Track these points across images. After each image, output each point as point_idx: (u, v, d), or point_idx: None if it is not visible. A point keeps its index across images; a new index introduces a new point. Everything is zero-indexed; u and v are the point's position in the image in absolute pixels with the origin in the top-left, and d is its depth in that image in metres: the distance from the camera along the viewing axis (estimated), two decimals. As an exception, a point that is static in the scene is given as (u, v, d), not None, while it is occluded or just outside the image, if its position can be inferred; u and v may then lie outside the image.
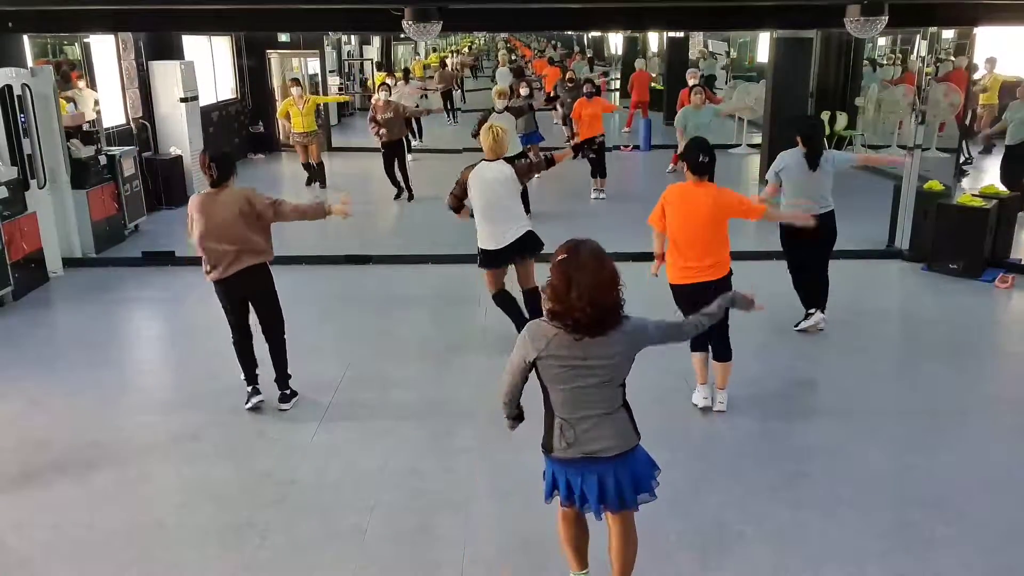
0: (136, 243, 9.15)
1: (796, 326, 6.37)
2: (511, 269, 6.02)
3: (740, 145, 15.16)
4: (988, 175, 11.53)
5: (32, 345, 6.36)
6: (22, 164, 7.49)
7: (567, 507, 3.20)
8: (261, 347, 5.18)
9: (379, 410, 5.20)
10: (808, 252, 6.22)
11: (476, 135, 10.48)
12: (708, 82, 22.54)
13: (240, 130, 14.79)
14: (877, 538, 3.86)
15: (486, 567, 3.66)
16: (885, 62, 18.10)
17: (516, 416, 3.25)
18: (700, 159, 4.72)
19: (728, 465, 4.53)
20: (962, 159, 11.63)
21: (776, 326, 6.50)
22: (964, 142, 11.79)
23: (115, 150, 9.43)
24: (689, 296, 4.84)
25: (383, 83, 12.56)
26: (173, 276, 7.92)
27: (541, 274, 4.43)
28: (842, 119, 14.50)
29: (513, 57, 29.41)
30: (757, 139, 14.84)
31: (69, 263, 8.17)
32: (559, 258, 2.87)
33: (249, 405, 5.13)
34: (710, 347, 5.05)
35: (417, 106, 14.31)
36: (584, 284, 2.78)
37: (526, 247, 5.86)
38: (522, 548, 3.80)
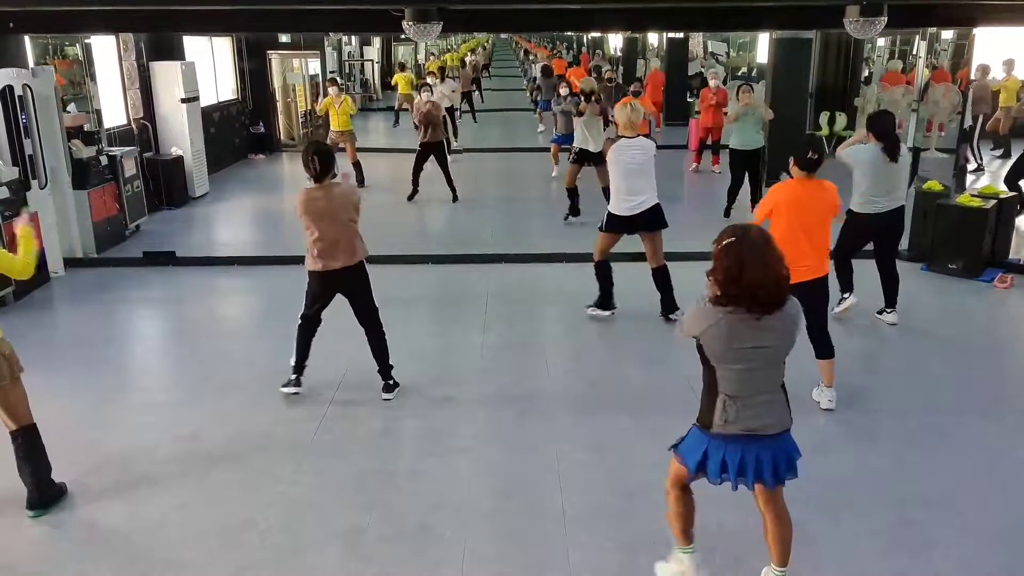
0: (137, 243, 9.15)
1: (837, 305, 6.49)
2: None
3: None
4: (988, 175, 11.54)
5: (32, 345, 6.35)
6: (23, 164, 7.49)
7: (734, 487, 3.30)
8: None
9: (379, 410, 5.21)
10: (876, 247, 6.42)
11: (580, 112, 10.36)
12: (703, 83, 22.53)
13: (241, 130, 14.79)
14: (877, 538, 3.86)
15: (486, 567, 3.66)
16: (884, 57, 18.04)
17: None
18: (809, 155, 4.78)
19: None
20: (971, 165, 11.56)
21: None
22: (967, 146, 11.75)
23: (116, 150, 9.43)
24: (803, 295, 4.86)
25: (424, 84, 12.42)
26: (173, 276, 7.93)
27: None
28: (842, 119, 14.51)
29: (532, 57, 29.33)
30: (757, 139, 14.79)
31: (70, 263, 8.17)
32: (727, 241, 2.96)
33: (284, 390, 5.29)
34: (813, 346, 5.11)
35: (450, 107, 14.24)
36: (760, 261, 2.90)
37: (654, 221, 6.36)
38: (522, 548, 3.81)
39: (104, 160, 9.06)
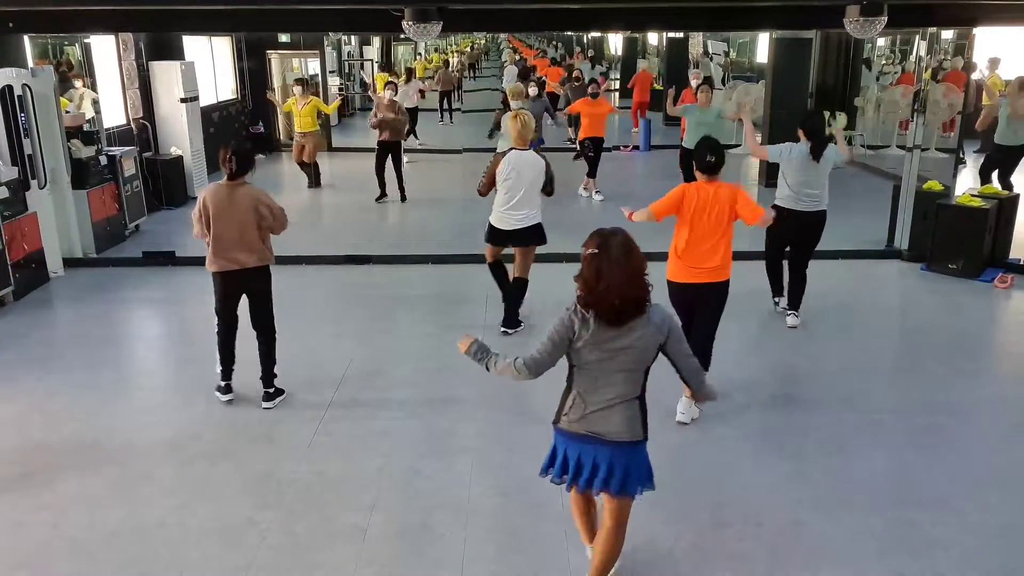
0: (137, 243, 9.15)
1: (775, 307, 6.76)
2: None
3: (740, 145, 15.15)
4: (970, 173, 11.54)
5: (32, 345, 6.36)
6: (23, 164, 7.49)
7: (568, 487, 3.27)
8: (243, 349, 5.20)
9: (379, 410, 5.20)
10: (791, 248, 6.52)
11: (493, 134, 10.45)
12: (706, 83, 22.55)
13: (240, 130, 14.78)
14: (877, 538, 3.86)
15: (486, 567, 3.66)
16: (884, 61, 18.07)
17: (484, 362, 3.27)
18: (708, 158, 4.77)
19: (728, 465, 4.54)
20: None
21: (773, 325, 6.52)
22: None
23: (116, 150, 9.43)
24: (689, 296, 4.89)
25: (389, 82, 12.54)
26: (173, 276, 7.93)
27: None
28: (842, 119, 14.51)
29: (518, 57, 29.47)
30: (757, 139, 14.83)
31: (69, 263, 8.17)
32: (589, 251, 2.96)
33: (226, 399, 5.22)
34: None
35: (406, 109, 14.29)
36: (613, 278, 2.89)
37: (530, 238, 6.18)
38: (522, 548, 3.81)
39: (104, 160, 9.05)
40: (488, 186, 6.16)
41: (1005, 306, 7.27)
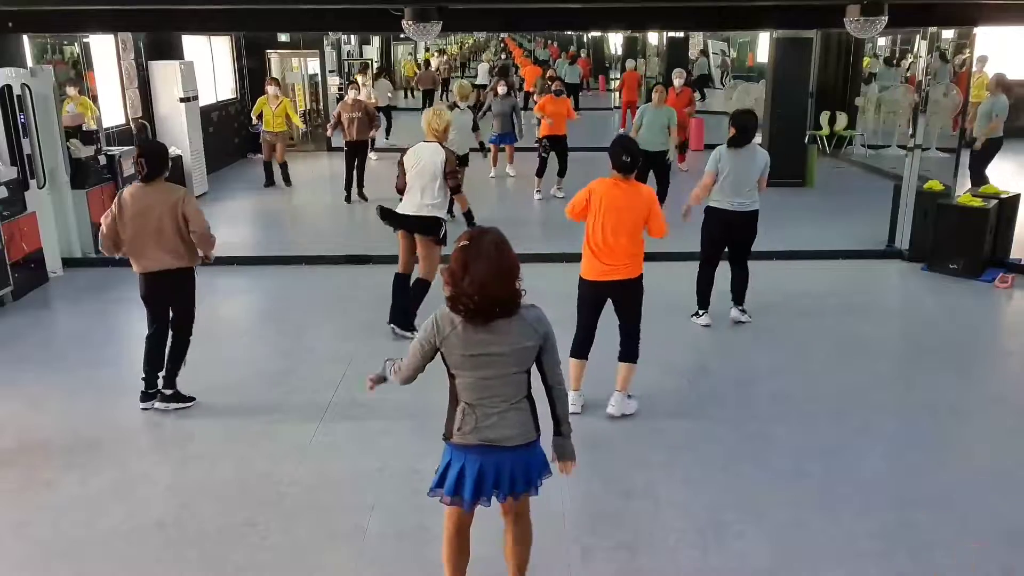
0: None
1: (691, 317, 6.54)
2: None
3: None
4: (990, 176, 11.52)
5: (32, 345, 6.36)
6: (22, 164, 7.48)
7: (464, 507, 3.17)
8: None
9: (378, 410, 5.19)
10: (729, 248, 6.44)
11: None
12: (701, 82, 22.62)
13: (240, 130, 14.78)
14: (877, 538, 3.86)
15: (486, 567, 3.65)
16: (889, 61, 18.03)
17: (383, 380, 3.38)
18: (624, 159, 4.74)
19: (728, 465, 4.53)
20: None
21: (770, 323, 6.51)
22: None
23: (115, 150, 9.42)
24: (601, 294, 4.94)
25: (352, 81, 12.59)
26: (173, 276, 7.91)
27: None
28: (842, 119, 14.52)
29: (504, 56, 29.63)
30: (757, 139, 14.84)
31: (69, 263, 8.17)
32: (460, 244, 2.91)
33: (143, 407, 5.13)
34: (619, 346, 5.02)
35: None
36: (478, 272, 2.81)
37: (423, 227, 6.03)
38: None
39: (103, 160, 9.05)
40: (402, 179, 6.09)
41: (1006, 306, 7.27)
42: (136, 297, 7.43)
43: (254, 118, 12.26)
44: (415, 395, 5.39)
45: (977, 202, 7.71)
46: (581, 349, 5.02)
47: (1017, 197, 8.21)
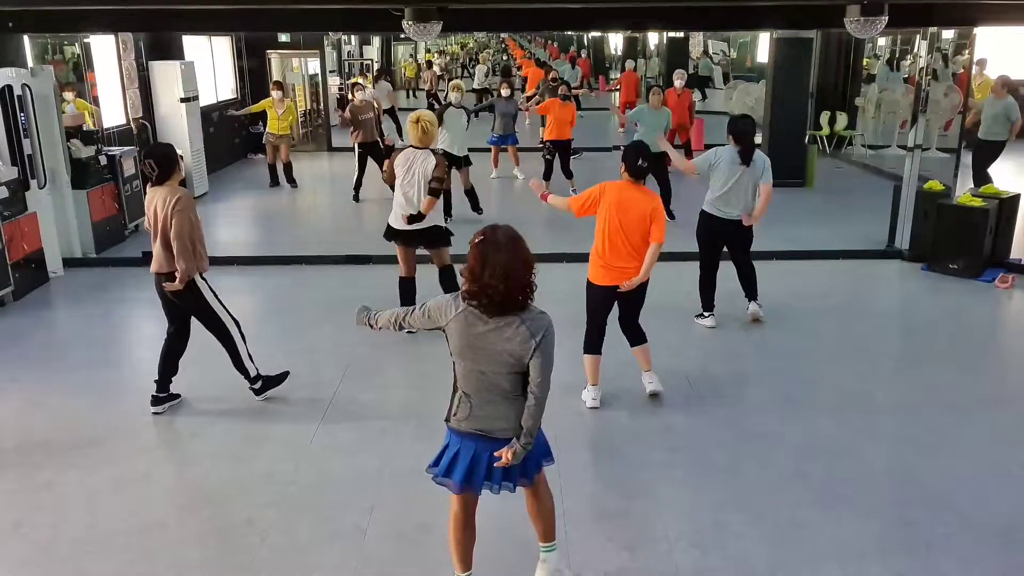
0: (136, 243, 9.13)
1: (695, 318, 6.54)
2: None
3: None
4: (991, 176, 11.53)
5: (32, 345, 6.36)
6: (22, 164, 7.49)
7: (457, 489, 3.24)
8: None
9: (379, 410, 5.20)
10: (729, 251, 6.45)
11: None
12: (701, 83, 22.65)
13: (240, 130, 14.78)
14: (877, 538, 3.86)
15: (486, 567, 3.65)
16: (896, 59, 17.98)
17: (369, 323, 3.48)
18: (639, 163, 4.83)
19: (728, 465, 4.53)
20: None
21: (770, 323, 6.51)
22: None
23: (115, 150, 9.42)
24: (610, 297, 5.02)
25: (357, 83, 12.66)
26: (173, 276, 7.91)
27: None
28: (842, 119, 14.52)
29: (505, 57, 29.66)
30: (757, 139, 14.86)
31: (69, 263, 8.17)
32: (476, 240, 2.99)
33: (154, 410, 5.10)
34: (626, 336, 5.21)
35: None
36: (499, 262, 2.89)
37: (431, 239, 6.16)
38: (522, 548, 3.80)
39: (103, 160, 9.05)
40: (390, 175, 6.06)
41: (1006, 306, 7.27)
42: (136, 297, 7.46)
43: (242, 112, 12.40)
44: (415, 395, 5.42)
45: (977, 202, 7.71)
46: (595, 345, 5.10)
47: (1017, 197, 8.21)
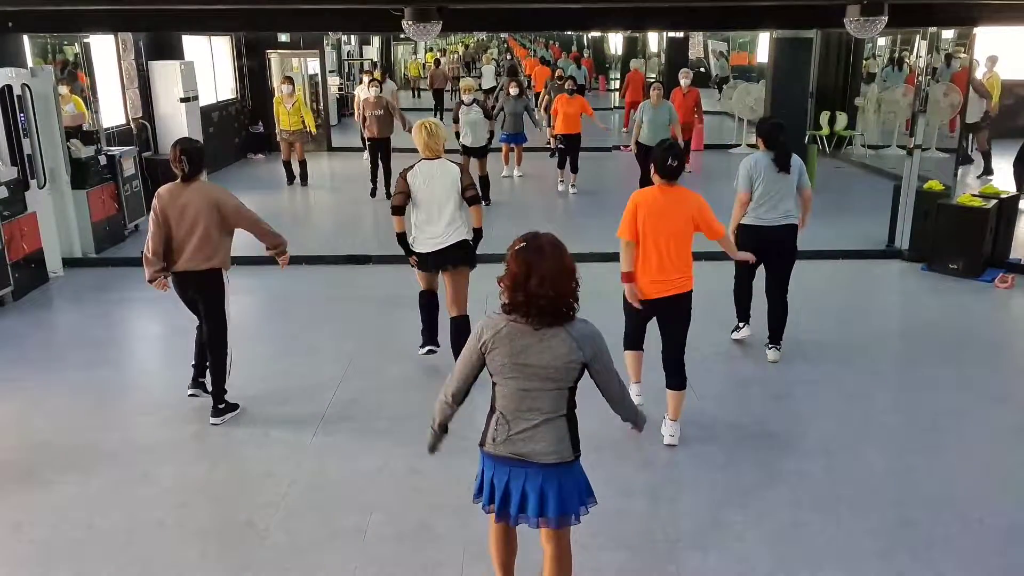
0: (136, 243, 9.13)
1: (732, 333, 6.21)
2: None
3: (740, 145, 15.16)
4: (994, 176, 11.55)
5: (32, 345, 6.36)
6: (22, 164, 7.49)
7: (495, 517, 3.11)
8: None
9: (378, 410, 5.20)
10: (766, 270, 5.85)
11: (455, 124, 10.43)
12: (721, 83, 22.63)
13: (240, 130, 14.79)
14: (877, 538, 3.86)
15: (486, 567, 3.65)
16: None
17: (444, 426, 3.21)
18: (670, 163, 4.48)
19: (728, 465, 4.53)
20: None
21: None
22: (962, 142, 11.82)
23: (115, 150, 9.42)
24: (651, 312, 4.70)
25: (373, 79, 12.67)
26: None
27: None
28: (842, 119, 14.52)
29: (509, 56, 29.64)
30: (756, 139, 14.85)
31: (69, 263, 8.17)
32: (517, 247, 2.83)
33: (189, 392, 5.16)
34: (666, 371, 4.75)
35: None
36: (547, 270, 2.75)
37: (454, 258, 5.37)
38: (521, 548, 3.80)
39: (103, 160, 9.05)
40: (402, 200, 5.33)
41: (1006, 306, 7.26)
42: (136, 297, 7.46)
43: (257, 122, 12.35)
44: (415, 395, 5.41)
45: (977, 202, 7.71)
46: (635, 342, 4.92)
47: (1017, 197, 8.21)
